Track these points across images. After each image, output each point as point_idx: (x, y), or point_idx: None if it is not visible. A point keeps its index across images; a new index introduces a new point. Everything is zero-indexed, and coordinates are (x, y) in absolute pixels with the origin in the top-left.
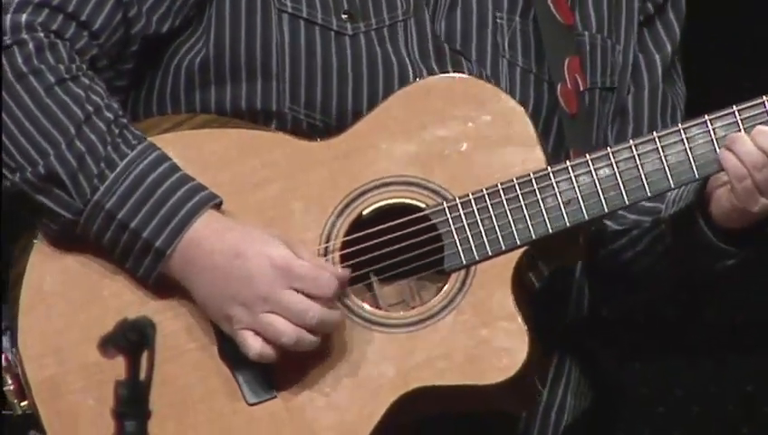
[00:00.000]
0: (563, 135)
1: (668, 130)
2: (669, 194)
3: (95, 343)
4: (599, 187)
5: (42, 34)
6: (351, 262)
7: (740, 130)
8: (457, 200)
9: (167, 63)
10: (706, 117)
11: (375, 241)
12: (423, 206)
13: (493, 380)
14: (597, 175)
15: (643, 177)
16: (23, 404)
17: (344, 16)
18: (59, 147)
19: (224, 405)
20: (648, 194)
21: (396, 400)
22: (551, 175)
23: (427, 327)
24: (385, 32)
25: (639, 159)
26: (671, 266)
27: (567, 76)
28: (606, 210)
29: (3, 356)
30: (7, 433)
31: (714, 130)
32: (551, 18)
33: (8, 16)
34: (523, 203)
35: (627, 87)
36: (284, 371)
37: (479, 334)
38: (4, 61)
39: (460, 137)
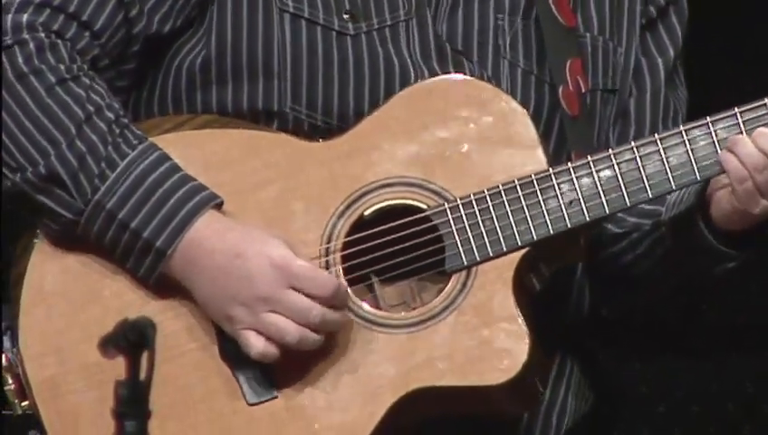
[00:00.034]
0: (564, 136)
1: (670, 132)
2: (670, 196)
3: (96, 342)
4: (600, 188)
5: (43, 34)
6: (352, 263)
7: (741, 132)
8: (459, 201)
9: (168, 64)
10: (708, 119)
11: (376, 242)
12: (424, 207)
13: (494, 381)
14: (598, 176)
15: (644, 178)
16: (23, 404)
17: (346, 16)
18: (60, 147)
19: (224, 405)
20: (650, 196)
21: (396, 400)
22: (552, 176)
23: (427, 328)
24: (387, 32)
25: (641, 161)
26: (671, 269)
27: (569, 78)
28: (607, 212)
29: (3, 356)
30: (7, 433)
31: (715, 131)
32: (552, 20)
33: (9, 16)
34: (524, 204)
35: (628, 89)
36: (285, 371)
37: (480, 335)
38: (4, 60)
39: (461, 138)
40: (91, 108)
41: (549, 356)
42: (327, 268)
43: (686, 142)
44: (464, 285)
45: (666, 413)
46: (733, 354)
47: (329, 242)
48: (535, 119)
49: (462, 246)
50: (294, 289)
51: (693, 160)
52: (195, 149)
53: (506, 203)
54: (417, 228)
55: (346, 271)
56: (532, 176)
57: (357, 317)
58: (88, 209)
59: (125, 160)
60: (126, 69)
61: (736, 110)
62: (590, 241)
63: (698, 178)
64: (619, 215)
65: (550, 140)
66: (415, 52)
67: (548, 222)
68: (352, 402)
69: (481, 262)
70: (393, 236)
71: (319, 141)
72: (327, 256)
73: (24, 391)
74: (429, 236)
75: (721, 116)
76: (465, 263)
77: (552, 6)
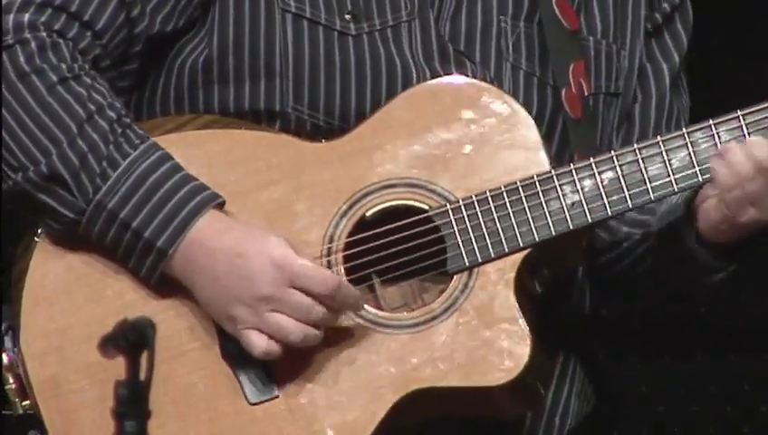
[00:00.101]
0: (567, 138)
1: (672, 135)
2: (659, 206)
3: (97, 342)
4: (602, 190)
5: (44, 34)
6: (354, 263)
7: (744, 135)
8: (461, 202)
9: (170, 63)
10: (711, 121)
11: (378, 242)
12: (426, 207)
13: (495, 382)
14: (600, 178)
15: (647, 180)
16: (24, 403)
17: (348, 17)
18: (61, 145)
19: (226, 405)
20: (652, 197)
21: (398, 401)
22: (554, 177)
23: (429, 328)
24: (389, 32)
25: (643, 163)
26: (661, 279)
27: (572, 80)
28: (609, 213)
29: (5, 355)
30: (7, 433)
31: (718, 133)
32: (556, 23)
33: (11, 16)
34: (526, 206)
35: (632, 93)
36: (286, 371)
37: (481, 336)
38: (6, 60)
39: (464, 139)
40: (93, 107)
41: (551, 357)
42: (329, 268)
43: (689, 144)
44: (465, 285)
45: (666, 413)
46: (732, 355)
47: (331, 242)
48: (538, 121)
49: (464, 246)
50: (296, 288)
51: (695, 163)
52: (197, 150)
53: (508, 204)
54: (419, 229)
55: (348, 271)
56: (535, 177)
57: (358, 318)
58: (89, 209)
59: (127, 160)
60: (128, 69)
61: (739, 112)
62: (590, 243)
63: (701, 180)
64: (612, 223)
65: (552, 141)
66: (417, 52)
67: (550, 223)
68: (354, 402)
69: (482, 263)
70: (395, 237)
71: (321, 142)
72: (329, 256)
73: (24, 390)
74: (431, 237)
75: (724, 118)
76: (467, 264)
77: (556, 9)
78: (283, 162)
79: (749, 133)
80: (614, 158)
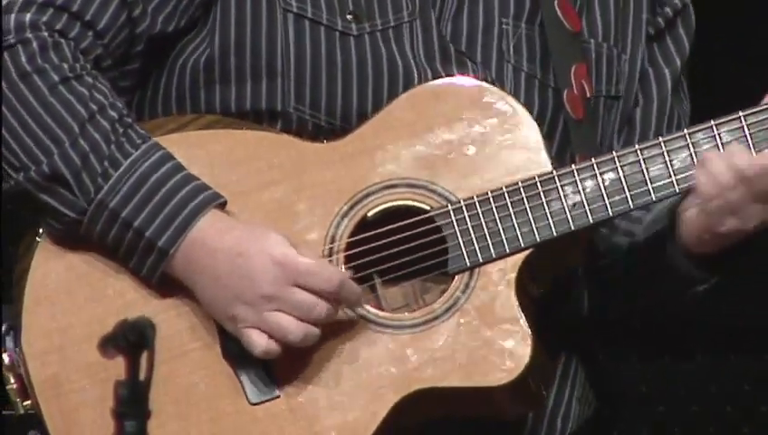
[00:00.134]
0: (568, 139)
1: (674, 135)
2: (646, 216)
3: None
4: (603, 191)
5: (46, 34)
6: (356, 263)
7: (745, 136)
8: (462, 203)
9: (172, 63)
10: (712, 122)
11: (379, 243)
12: (428, 208)
13: (496, 382)
14: (602, 179)
15: (648, 181)
16: (25, 403)
17: (349, 17)
18: (63, 145)
19: (226, 404)
20: (653, 199)
21: (399, 401)
22: (556, 178)
23: (430, 329)
24: (390, 33)
25: (645, 164)
26: (648, 287)
27: (573, 82)
28: (611, 214)
29: (6, 355)
30: (8, 433)
31: (719, 135)
32: (558, 24)
33: (12, 15)
34: (527, 206)
35: (633, 96)
36: (287, 370)
37: (483, 336)
38: (7, 59)
39: (466, 140)
40: (95, 107)
41: (552, 357)
42: None
43: (690, 146)
44: (466, 286)
45: (666, 413)
46: (732, 355)
47: (332, 242)
48: (538, 121)
49: (465, 247)
50: (298, 286)
51: (697, 163)
52: (198, 150)
53: (509, 205)
54: (421, 229)
55: (349, 271)
56: (536, 178)
57: (360, 318)
58: (91, 208)
59: (128, 159)
60: (129, 69)
61: (740, 113)
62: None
63: None
64: (603, 231)
65: (553, 142)
66: (418, 53)
67: (551, 224)
68: (355, 402)
69: (484, 263)
70: (396, 237)
71: (323, 142)
72: (330, 256)
73: (26, 390)
74: (433, 238)
75: (725, 119)
76: (468, 264)
77: (558, 10)
78: (285, 162)
79: (750, 134)
80: (615, 158)
